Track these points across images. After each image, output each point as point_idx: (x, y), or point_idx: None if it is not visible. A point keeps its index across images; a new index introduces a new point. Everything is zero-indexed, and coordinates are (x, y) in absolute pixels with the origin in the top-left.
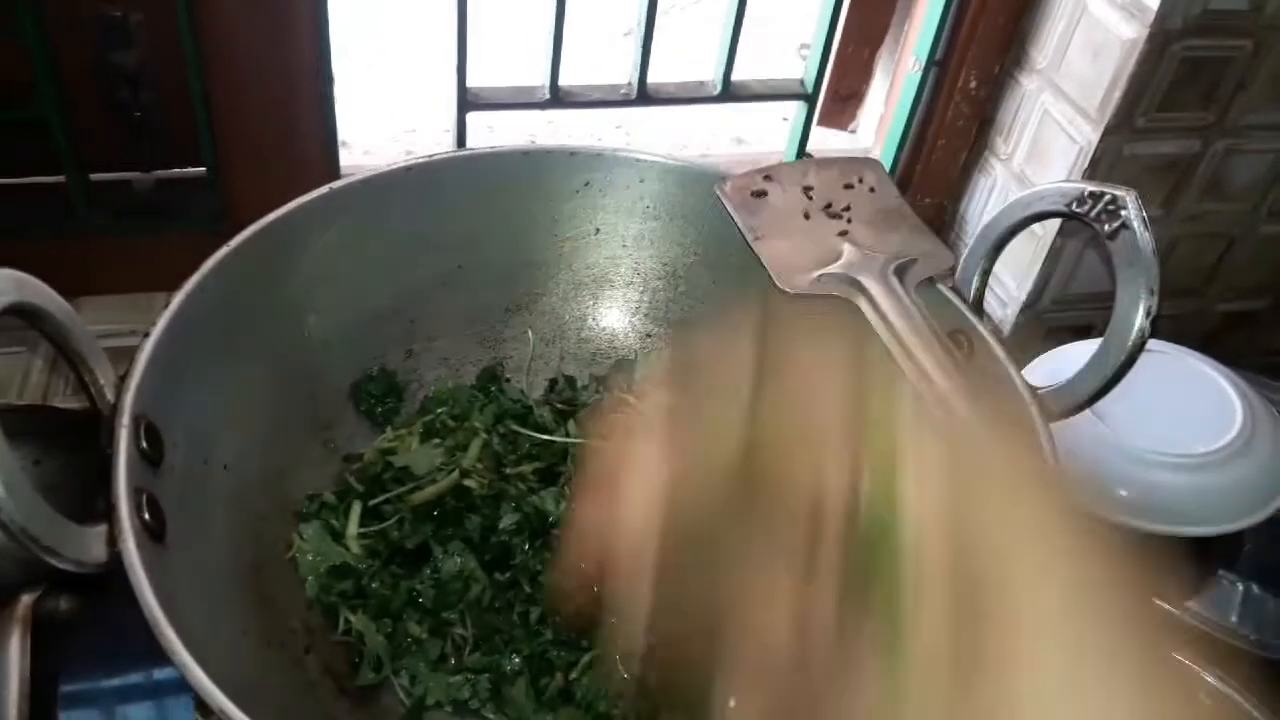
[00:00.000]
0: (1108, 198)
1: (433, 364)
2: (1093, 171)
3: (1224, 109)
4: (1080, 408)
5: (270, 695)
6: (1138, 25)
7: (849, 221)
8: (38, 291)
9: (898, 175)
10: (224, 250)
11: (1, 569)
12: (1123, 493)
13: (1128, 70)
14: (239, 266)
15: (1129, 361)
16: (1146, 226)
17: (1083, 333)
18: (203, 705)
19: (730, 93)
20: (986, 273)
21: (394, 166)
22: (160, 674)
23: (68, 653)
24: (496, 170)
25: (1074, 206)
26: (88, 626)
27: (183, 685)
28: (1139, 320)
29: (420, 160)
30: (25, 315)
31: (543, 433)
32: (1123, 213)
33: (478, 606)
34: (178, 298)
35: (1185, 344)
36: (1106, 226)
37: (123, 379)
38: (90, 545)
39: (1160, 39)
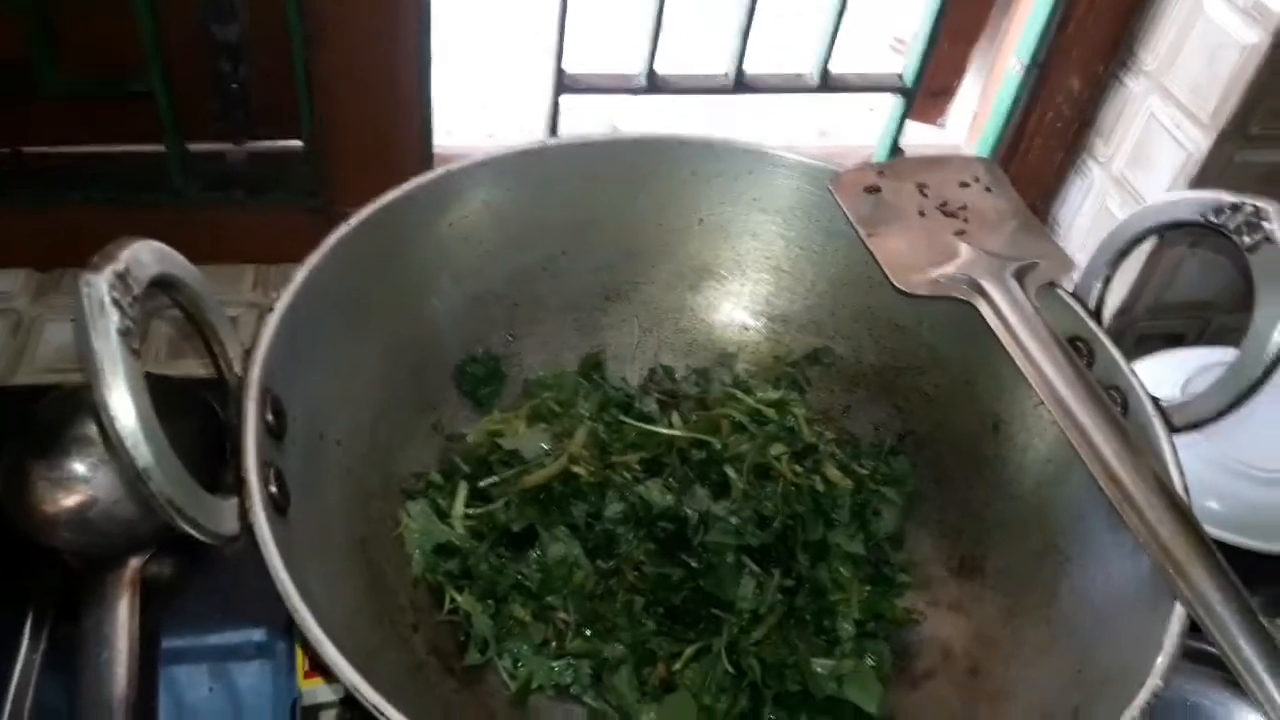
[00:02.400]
0: (1249, 209)
1: (533, 348)
2: (1200, 178)
3: None
4: (1205, 422)
5: (384, 671)
6: (1260, 30)
7: (965, 221)
8: (177, 263)
9: None
10: (345, 228)
11: (112, 534)
12: (1214, 505)
13: (1246, 76)
14: (358, 245)
15: (1262, 379)
16: None
17: (1174, 341)
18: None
19: (828, 85)
20: (1108, 280)
21: (509, 151)
22: (256, 634)
23: (169, 612)
24: (606, 157)
25: (1210, 217)
26: (188, 587)
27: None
28: (1277, 338)
29: (534, 146)
30: (166, 287)
31: (647, 423)
32: (1265, 225)
33: (581, 593)
34: (300, 273)
35: None
36: (1247, 239)
37: (248, 352)
38: (224, 518)
39: None
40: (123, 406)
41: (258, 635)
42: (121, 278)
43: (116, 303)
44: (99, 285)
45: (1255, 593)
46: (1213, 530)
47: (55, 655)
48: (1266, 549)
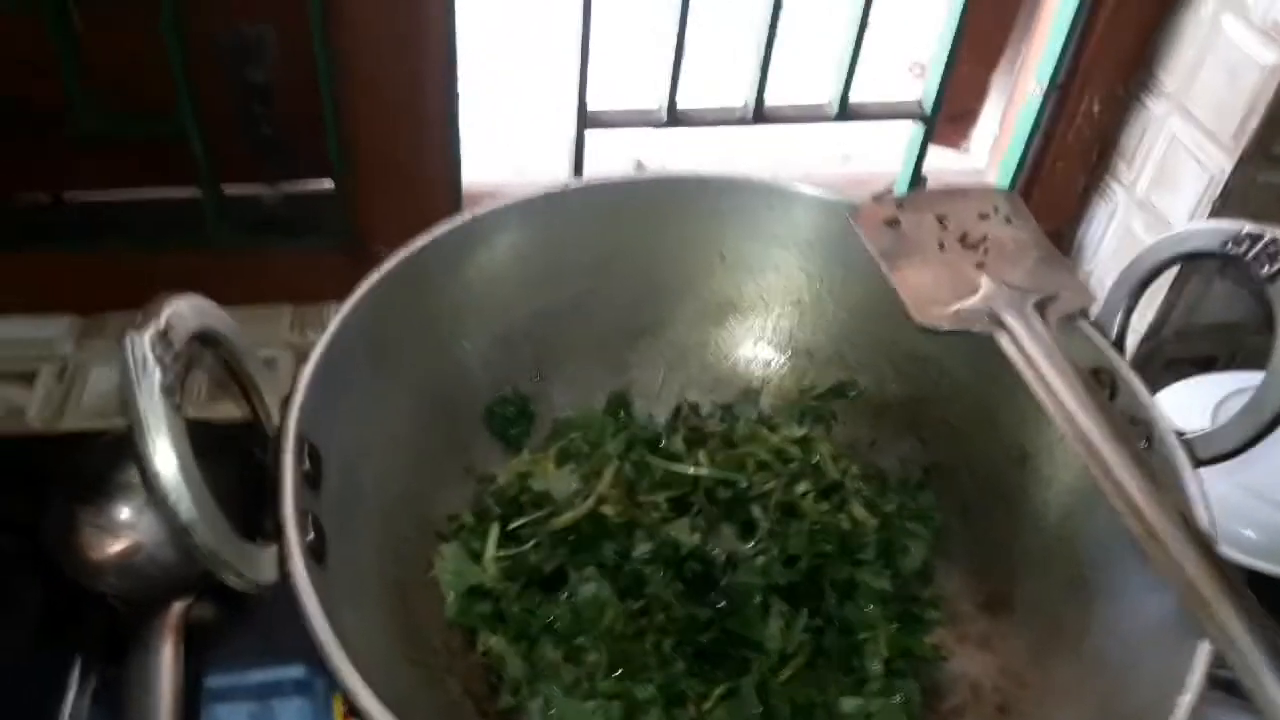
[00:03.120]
0: (1267, 239)
1: (562, 388)
2: (1224, 200)
3: None
4: (1230, 455)
5: (419, 715)
6: (1278, 50)
7: (985, 253)
8: (217, 317)
9: None
10: (375, 275)
11: (156, 578)
12: (1249, 534)
13: (1266, 96)
14: (388, 291)
15: None
16: None
17: (1204, 365)
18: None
19: (847, 113)
20: (1130, 310)
21: (532, 195)
22: (295, 671)
23: (210, 652)
24: (628, 197)
25: (1229, 247)
26: (230, 630)
27: (311, 684)
28: None
29: (556, 188)
30: (205, 341)
31: (673, 461)
32: None
33: (611, 634)
34: (333, 322)
35: None
36: (1265, 269)
37: (285, 401)
38: (263, 566)
39: None
40: (166, 462)
41: (297, 672)
42: (163, 335)
43: (159, 359)
44: (142, 343)
45: None
46: (1249, 560)
47: (103, 698)
48: None
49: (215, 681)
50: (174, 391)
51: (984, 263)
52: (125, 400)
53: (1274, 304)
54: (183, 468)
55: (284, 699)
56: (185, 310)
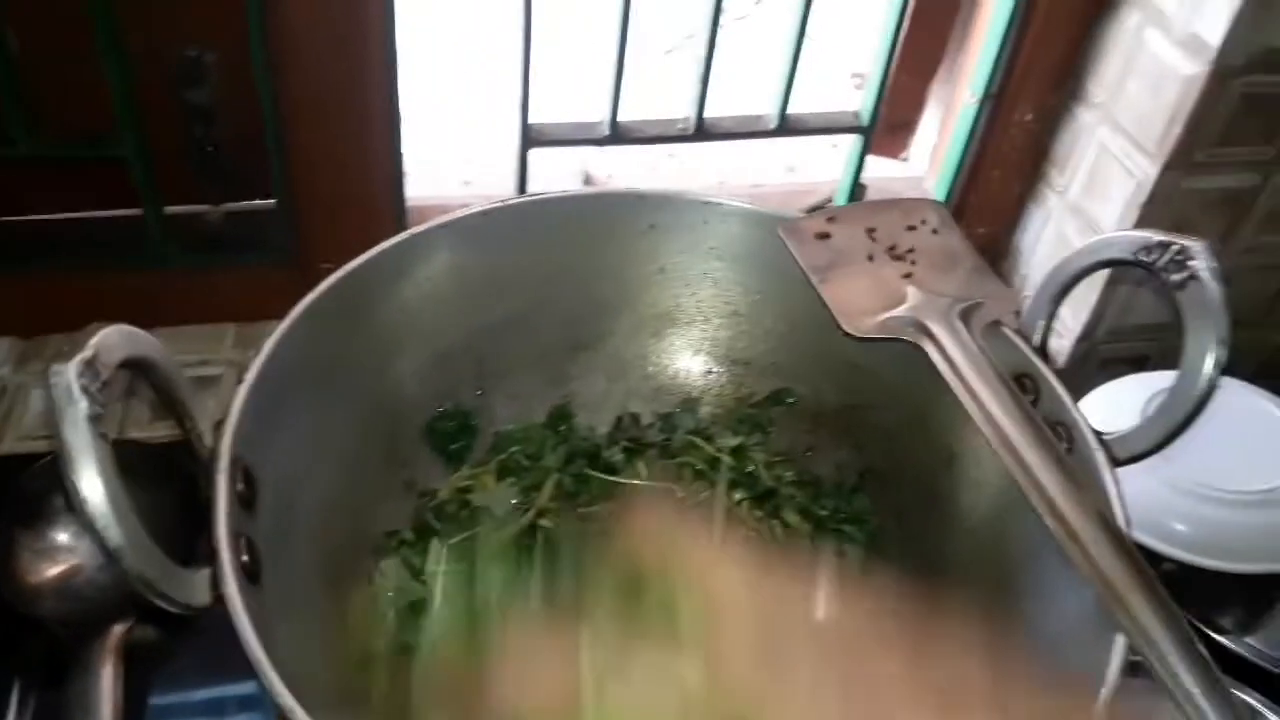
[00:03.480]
0: (1176, 248)
1: (503, 401)
2: (1150, 206)
3: None
4: (1146, 454)
5: None
6: (1198, 62)
7: (913, 264)
8: (146, 344)
9: (952, 205)
10: (311, 296)
11: (96, 601)
12: (1180, 528)
13: (1187, 106)
14: (325, 311)
15: (1196, 411)
16: (1217, 278)
17: (1138, 364)
18: None
19: (787, 127)
20: (1051, 316)
21: (470, 212)
22: (242, 688)
23: (154, 673)
24: (568, 213)
25: (1141, 255)
26: (172, 651)
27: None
28: (1207, 370)
29: (495, 206)
30: (134, 367)
31: (612, 473)
32: (1190, 264)
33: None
34: (269, 343)
35: (1242, 374)
36: (1174, 277)
37: (219, 424)
38: (196, 589)
39: (1221, 75)
40: (92, 489)
41: (244, 689)
42: (90, 364)
43: (85, 389)
44: (66, 374)
45: (1224, 613)
46: (1180, 553)
47: None
48: (1234, 569)
49: (160, 699)
50: (100, 420)
51: (911, 273)
52: (53, 431)
53: (1182, 309)
54: (109, 495)
55: (231, 717)
56: (113, 339)
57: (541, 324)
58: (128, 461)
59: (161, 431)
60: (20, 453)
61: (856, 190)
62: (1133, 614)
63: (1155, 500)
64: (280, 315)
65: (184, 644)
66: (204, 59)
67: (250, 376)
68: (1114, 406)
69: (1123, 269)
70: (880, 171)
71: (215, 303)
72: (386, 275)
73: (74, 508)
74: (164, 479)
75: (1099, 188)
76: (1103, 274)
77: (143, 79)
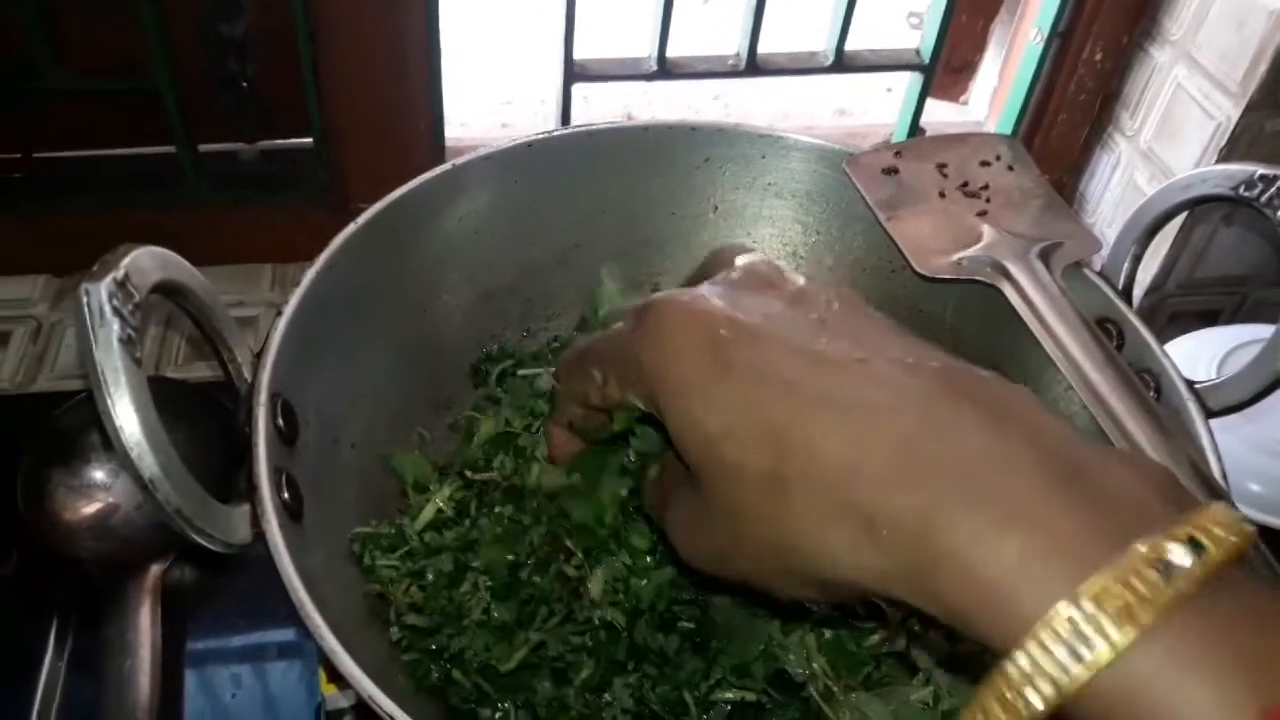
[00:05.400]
0: None
1: (550, 343)
2: (1230, 149)
3: None
4: (1241, 406)
5: (395, 679)
6: None
7: (987, 201)
8: (181, 269)
9: None
10: (351, 228)
11: (133, 541)
12: (1255, 488)
13: (1276, 40)
14: (365, 244)
15: None
16: None
17: (1209, 318)
18: (333, 673)
19: (843, 64)
20: (1138, 258)
21: (514, 142)
22: (281, 635)
23: (192, 617)
24: (616, 146)
25: (1241, 190)
26: (211, 593)
27: (299, 649)
28: None
29: (540, 136)
30: (170, 293)
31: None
32: None
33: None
34: (308, 275)
35: None
36: (1279, 213)
37: (258, 356)
38: (236, 526)
39: None
40: (127, 416)
41: (283, 636)
42: (122, 285)
43: (117, 310)
44: (98, 293)
45: None
46: (1255, 514)
47: (80, 664)
48: None
49: (198, 645)
50: (134, 344)
51: (986, 211)
52: (82, 353)
53: None
54: (144, 422)
55: (269, 664)
56: (145, 261)
57: (589, 263)
58: (165, 398)
59: (201, 371)
60: (56, 390)
61: (915, 133)
62: None
63: (1229, 459)
64: (317, 256)
65: (223, 588)
66: None
67: (290, 308)
68: (1187, 361)
69: (1203, 212)
70: (939, 116)
71: (251, 243)
72: (428, 209)
73: (108, 440)
74: (203, 417)
75: (1173, 131)
76: (1175, 223)
77: (173, 11)
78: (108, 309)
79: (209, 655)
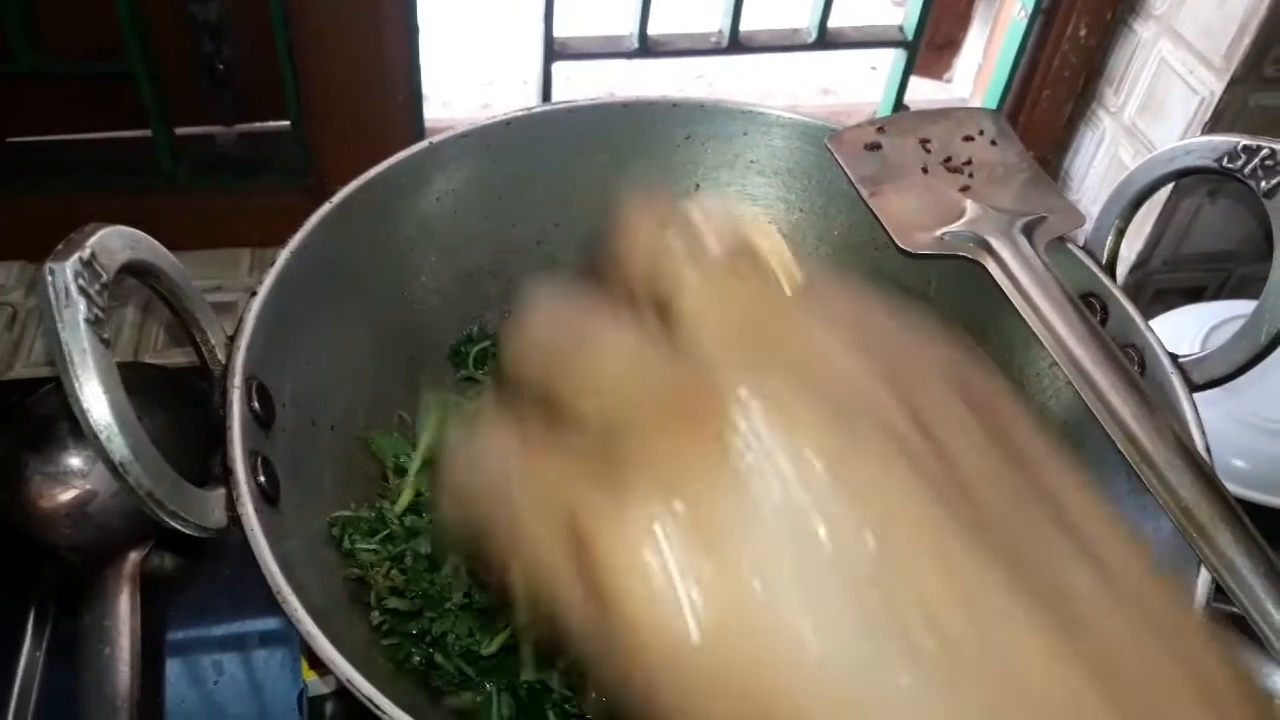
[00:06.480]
0: (1265, 152)
1: None
2: (1214, 124)
3: None
4: (1225, 379)
5: (376, 663)
6: None
7: (970, 176)
8: (151, 248)
9: None
10: (326, 207)
11: (110, 528)
12: (1239, 463)
13: (1259, 15)
14: (341, 224)
15: None
16: None
17: (1193, 295)
18: (313, 659)
19: (826, 40)
20: (1121, 232)
21: (492, 120)
22: (262, 623)
23: (174, 604)
24: (596, 123)
25: (1225, 162)
26: (191, 580)
27: (282, 636)
28: None
29: (519, 114)
30: (139, 273)
31: None
32: None
33: None
34: (282, 256)
35: None
36: (1264, 184)
37: (232, 339)
38: (210, 509)
39: None
40: (95, 398)
41: (264, 624)
42: (88, 264)
43: (84, 290)
44: (63, 273)
45: None
46: (1239, 489)
47: (59, 652)
48: None
49: (179, 634)
50: (101, 324)
51: (969, 186)
52: (48, 334)
53: (1273, 220)
54: (114, 404)
55: (250, 652)
56: (113, 240)
57: (569, 242)
58: (142, 383)
59: (179, 358)
60: (32, 377)
61: (900, 110)
62: (1216, 546)
63: (1213, 433)
64: None
65: (204, 575)
66: None
67: (264, 288)
68: (1171, 337)
69: (1187, 186)
70: (922, 93)
71: (229, 227)
72: (405, 187)
73: (77, 419)
74: (181, 402)
75: (1157, 106)
76: (1160, 198)
77: None
78: (73, 288)
79: (191, 643)
